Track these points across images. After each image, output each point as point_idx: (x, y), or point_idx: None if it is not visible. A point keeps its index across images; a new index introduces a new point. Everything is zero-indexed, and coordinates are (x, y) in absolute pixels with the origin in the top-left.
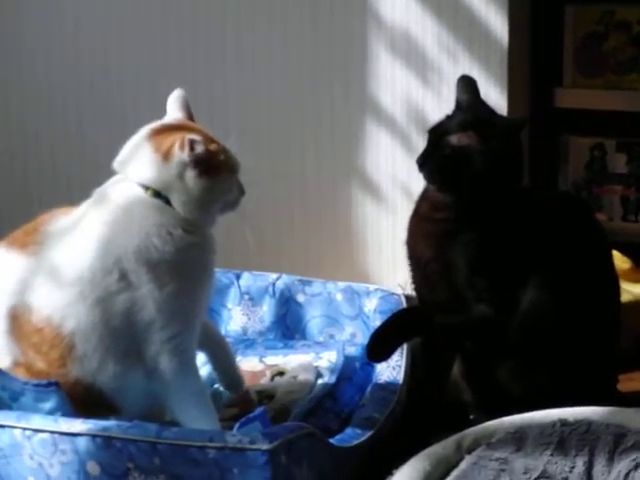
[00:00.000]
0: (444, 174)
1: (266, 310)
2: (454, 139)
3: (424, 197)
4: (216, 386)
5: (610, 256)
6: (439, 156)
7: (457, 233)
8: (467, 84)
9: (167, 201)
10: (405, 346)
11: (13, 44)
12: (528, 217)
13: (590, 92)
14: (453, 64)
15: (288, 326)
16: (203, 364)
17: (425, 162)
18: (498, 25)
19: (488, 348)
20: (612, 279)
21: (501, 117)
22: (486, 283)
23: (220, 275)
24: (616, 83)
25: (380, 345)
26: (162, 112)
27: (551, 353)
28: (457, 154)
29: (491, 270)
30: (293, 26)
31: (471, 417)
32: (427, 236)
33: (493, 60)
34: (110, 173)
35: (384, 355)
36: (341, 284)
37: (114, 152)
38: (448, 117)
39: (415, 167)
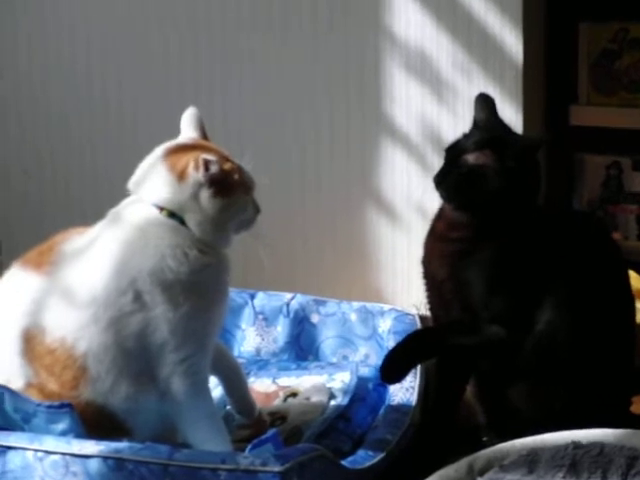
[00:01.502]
0: (460, 193)
1: (280, 330)
2: (471, 158)
3: (440, 216)
4: (228, 407)
5: (626, 276)
6: (456, 174)
7: (473, 252)
8: (485, 102)
9: (182, 221)
10: (419, 367)
11: (25, 62)
12: (544, 236)
13: (605, 110)
14: (468, 82)
15: (302, 347)
16: (216, 385)
17: (442, 180)
18: (513, 43)
19: (501, 369)
20: (628, 299)
21: (518, 136)
22: (502, 303)
23: (234, 295)
24: (630, 101)
25: (394, 367)
26: (176, 131)
27: (565, 374)
28: (473, 173)
29: (507, 290)
30: (307, 44)
31: (484, 439)
32: (443, 256)
33: (508, 78)
34: (123, 194)
35: (398, 377)
36: (355, 304)
37: (127, 174)
38: (465, 136)
39: (430, 186)
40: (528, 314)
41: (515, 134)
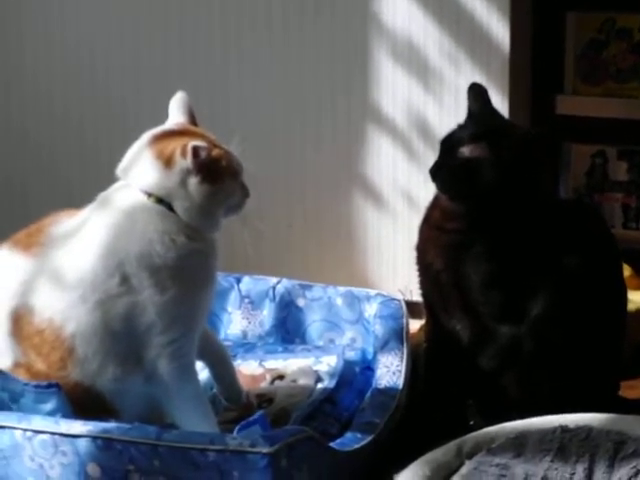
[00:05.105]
0: (456, 185)
1: (266, 314)
2: (466, 150)
3: (435, 204)
4: (214, 390)
5: (620, 264)
6: (451, 167)
7: (469, 246)
8: (478, 92)
9: (170, 207)
10: (405, 351)
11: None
12: (540, 226)
13: (591, 99)
14: (455, 71)
15: (288, 330)
16: (202, 368)
17: (437, 173)
18: (500, 32)
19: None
20: (621, 287)
21: (516, 128)
22: (500, 297)
23: (221, 279)
24: (617, 91)
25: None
26: (165, 115)
27: (557, 359)
28: (469, 166)
29: (504, 284)
30: (294, 32)
31: (471, 422)
32: (438, 246)
33: (494, 67)
34: (110, 178)
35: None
36: (341, 289)
37: (115, 156)
38: (460, 127)
39: (416, 173)
40: (525, 305)
41: (512, 126)
